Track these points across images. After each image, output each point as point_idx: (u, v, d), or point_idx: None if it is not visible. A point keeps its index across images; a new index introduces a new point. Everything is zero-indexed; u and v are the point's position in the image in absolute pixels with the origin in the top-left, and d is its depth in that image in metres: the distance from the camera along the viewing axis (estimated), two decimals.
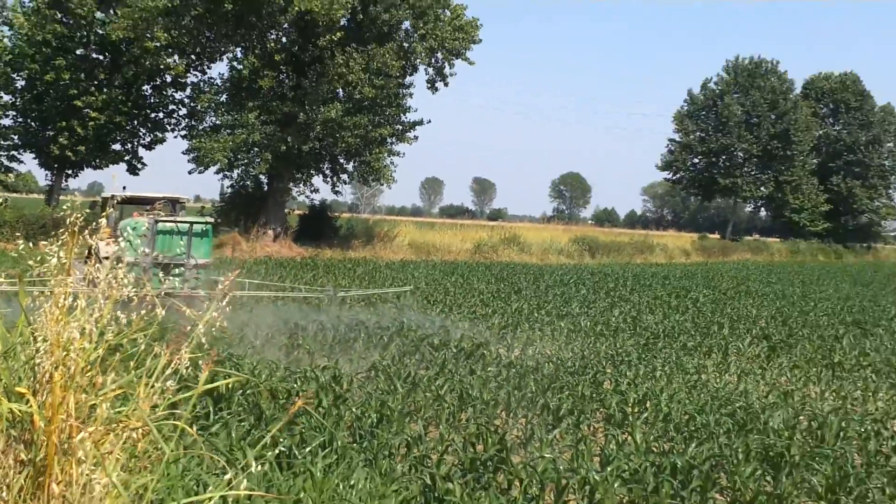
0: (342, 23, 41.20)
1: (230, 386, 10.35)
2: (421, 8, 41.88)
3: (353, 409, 9.72)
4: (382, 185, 51.07)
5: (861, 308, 28.55)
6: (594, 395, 11.73)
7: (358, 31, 42.19)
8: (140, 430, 4.85)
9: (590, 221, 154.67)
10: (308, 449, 7.96)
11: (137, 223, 19.28)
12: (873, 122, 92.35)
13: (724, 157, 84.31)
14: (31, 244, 5.59)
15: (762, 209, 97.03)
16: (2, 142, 44.42)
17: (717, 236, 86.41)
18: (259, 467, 7.45)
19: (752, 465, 8.53)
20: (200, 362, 5.59)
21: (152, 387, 5.24)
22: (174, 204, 21.98)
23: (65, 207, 5.44)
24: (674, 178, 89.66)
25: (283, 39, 43.03)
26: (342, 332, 16.30)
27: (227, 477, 5.25)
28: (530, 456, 8.63)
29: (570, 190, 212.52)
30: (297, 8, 38.38)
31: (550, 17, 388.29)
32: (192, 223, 20.13)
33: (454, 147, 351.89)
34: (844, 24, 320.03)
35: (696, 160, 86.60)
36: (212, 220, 21.87)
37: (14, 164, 45.39)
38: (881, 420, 11.08)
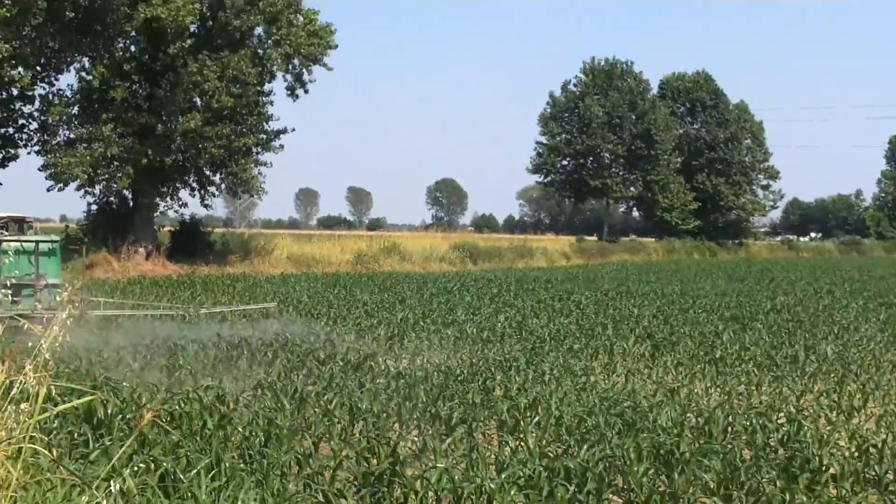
0: (192, 30, 40.40)
1: (110, 412, 9.94)
2: (272, 13, 41.33)
3: (240, 429, 9.38)
4: (254, 197, 50.40)
5: (738, 303, 29.39)
6: (485, 402, 11.65)
7: (209, 37, 41.34)
8: None
9: (469, 228, 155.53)
10: (193, 472, 7.61)
11: None
12: (729, 120, 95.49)
13: (591, 158, 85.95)
14: None
15: (634, 210, 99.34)
16: None
17: (595, 238, 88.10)
18: (139, 494, 7.14)
19: (644, 464, 8.56)
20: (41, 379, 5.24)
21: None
22: (20, 224, 21.03)
23: None
24: (545, 180, 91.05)
25: (132, 48, 41.96)
26: (224, 350, 15.89)
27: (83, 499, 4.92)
28: (425, 467, 8.47)
29: (447, 196, 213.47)
30: (143, 15, 37.37)
31: (408, 19, 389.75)
32: (37, 241, 19.66)
33: (327, 156, 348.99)
34: (695, 22, 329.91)
35: (564, 162, 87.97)
36: (58, 238, 21.62)
37: None
38: (765, 413, 11.30)
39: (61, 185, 40.66)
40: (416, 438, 9.92)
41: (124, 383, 11.90)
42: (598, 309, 26.26)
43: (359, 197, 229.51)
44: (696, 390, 13.34)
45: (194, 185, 45.28)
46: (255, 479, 7.81)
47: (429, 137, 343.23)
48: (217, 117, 41.06)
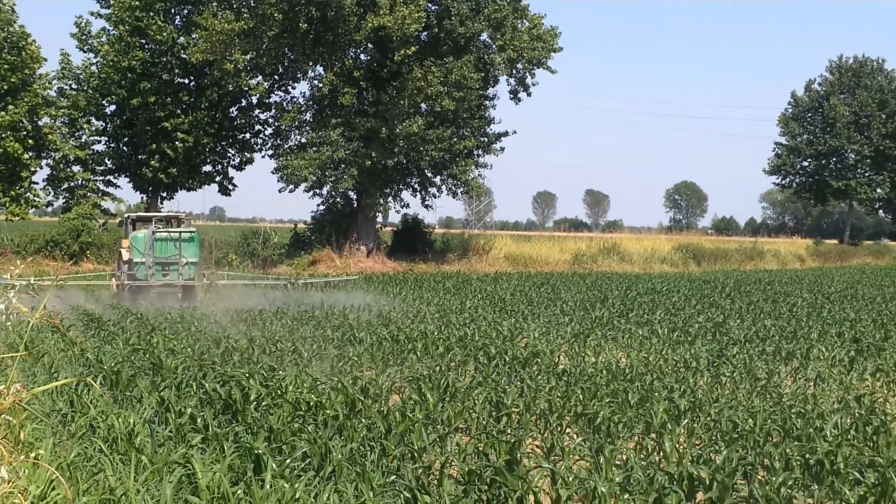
0: (418, 37, 41.18)
1: (248, 398, 10.09)
2: (497, 20, 41.59)
3: (363, 420, 9.27)
4: (486, 199, 50.93)
5: None
6: (641, 403, 11.01)
7: (434, 44, 42.21)
8: None
9: (710, 231, 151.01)
10: (288, 461, 7.57)
11: (136, 236, 26.26)
12: None
13: (834, 159, 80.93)
14: None
15: (880, 211, 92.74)
16: (97, 167, 45.72)
17: (836, 241, 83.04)
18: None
19: (787, 473, 7.75)
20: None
21: None
22: (172, 220, 28.32)
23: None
24: (783, 182, 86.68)
25: (361, 56, 43.35)
26: (401, 343, 15.95)
27: None
28: (550, 465, 8.03)
29: (685, 199, 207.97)
30: (370, 24, 38.54)
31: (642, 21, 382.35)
32: (180, 232, 26.36)
33: (566, 160, 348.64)
34: None
35: (804, 163, 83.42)
36: (195, 230, 27.66)
37: (111, 189, 46.74)
38: None
39: (292, 186, 42.59)
40: (551, 437, 9.46)
41: (281, 372, 12.14)
42: (812, 312, 24.52)
43: (596, 199, 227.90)
44: (886, 399, 12.05)
45: (416, 186, 46.20)
46: (356, 471, 7.63)
47: (668, 139, 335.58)
48: (439, 121, 41.78)
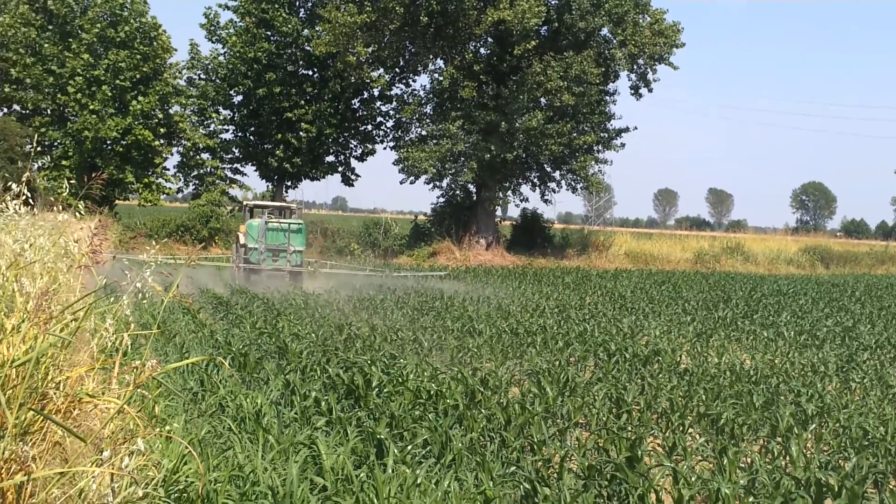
0: (538, 31, 40.97)
1: (370, 384, 10.23)
2: (618, 14, 41.10)
3: (482, 411, 9.30)
4: (606, 196, 50.53)
5: None
6: (767, 406, 10.73)
7: (554, 38, 41.98)
8: None
9: (838, 233, 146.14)
10: (409, 448, 7.65)
11: (251, 224, 28.72)
12: None
13: None
14: None
15: None
16: (224, 155, 47.09)
17: None
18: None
19: None
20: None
21: None
22: (284, 210, 31.09)
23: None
24: None
25: (481, 50, 43.37)
26: (518, 337, 15.94)
27: None
28: (671, 465, 7.91)
29: (813, 200, 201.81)
30: (490, 18, 38.55)
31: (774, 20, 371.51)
32: (289, 223, 28.87)
33: (688, 157, 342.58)
34: None
35: None
36: (302, 221, 30.15)
37: (238, 177, 48.14)
38: None
39: (412, 178, 43.03)
40: (672, 436, 9.30)
41: (402, 360, 12.27)
42: None
43: (719, 198, 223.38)
44: None
45: (535, 180, 46.07)
46: (476, 460, 7.66)
47: (796, 139, 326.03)
48: (559, 115, 41.56)
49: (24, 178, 6.16)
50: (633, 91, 45.03)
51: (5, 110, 45.40)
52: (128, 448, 4.87)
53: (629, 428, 9.57)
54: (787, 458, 8.52)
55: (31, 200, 6.41)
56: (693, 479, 7.42)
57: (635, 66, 43.85)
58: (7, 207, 6.06)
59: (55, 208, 6.59)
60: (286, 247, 28.30)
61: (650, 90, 44.76)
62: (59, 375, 5.36)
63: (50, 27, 44.44)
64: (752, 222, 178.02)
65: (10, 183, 6.13)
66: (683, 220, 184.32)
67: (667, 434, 9.53)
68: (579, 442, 8.65)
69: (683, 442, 8.69)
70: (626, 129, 45.79)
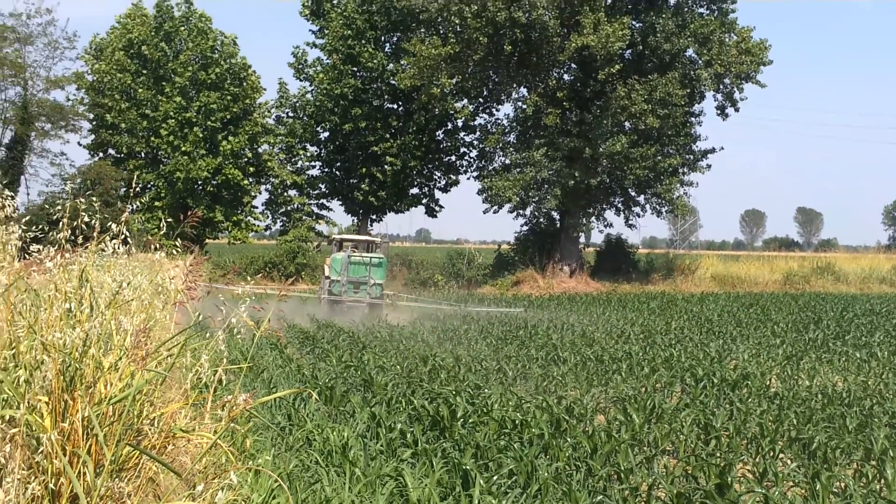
0: (622, 55, 40.83)
1: (455, 415, 10.29)
2: (704, 34, 40.71)
3: (569, 439, 9.28)
4: (692, 218, 49.90)
5: None
6: (859, 429, 10.50)
7: (638, 62, 41.78)
8: None
9: None
10: (495, 478, 7.69)
11: (335, 257, 30.60)
12: None
13: None
14: None
15: None
16: (311, 191, 47.90)
17: None
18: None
19: None
20: None
21: None
22: (371, 244, 33.31)
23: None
24: None
25: (565, 76, 43.34)
26: (603, 364, 15.85)
27: None
28: (763, 491, 7.80)
29: None
30: (574, 44, 38.57)
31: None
32: (371, 257, 30.55)
33: (775, 177, 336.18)
34: None
35: None
36: (383, 256, 31.86)
37: (324, 212, 48.90)
38: None
39: (496, 207, 43.10)
40: (763, 461, 9.16)
41: (486, 390, 12.32)
42: None
43: (808, 217, 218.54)
44: None
45: (619, 205, 45.73)
46: (562, 489, 7.66)
47: (886, 154, 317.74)
48: (643, 139, 41.24)
49: (122, 219, 6.43)
50: (719, 111, 44.40)
51: (101, 154, 46.99)
52: (220, 483, 5.03)
53: (718, 454, 9.46)
54: (883, 481, 8.34)
55: (128, 239, 6.67)
56: None
57: (721, 86, 43.24)
58: (106, 247, 6.32)
59: (152, 246, 6.83)
60: (367, 279, 29.89)
61: (737, 109, 44.07)
62: (153, 412, 5.56)
63: (144, 72, 45.99)
64: (843, 241, 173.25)
65: (109, 223, 6.40)
66: (771, 241, 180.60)
67: (757, 460, 9.40)
68: (667, 469, 8.59)
69: (774, 467, 8.55)
70: (713, 150, 45.13)
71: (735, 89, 43.48)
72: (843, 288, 46.31)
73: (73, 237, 6.47)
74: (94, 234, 6.37)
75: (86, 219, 6.21)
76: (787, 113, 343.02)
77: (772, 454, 9.64)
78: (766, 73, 40.61)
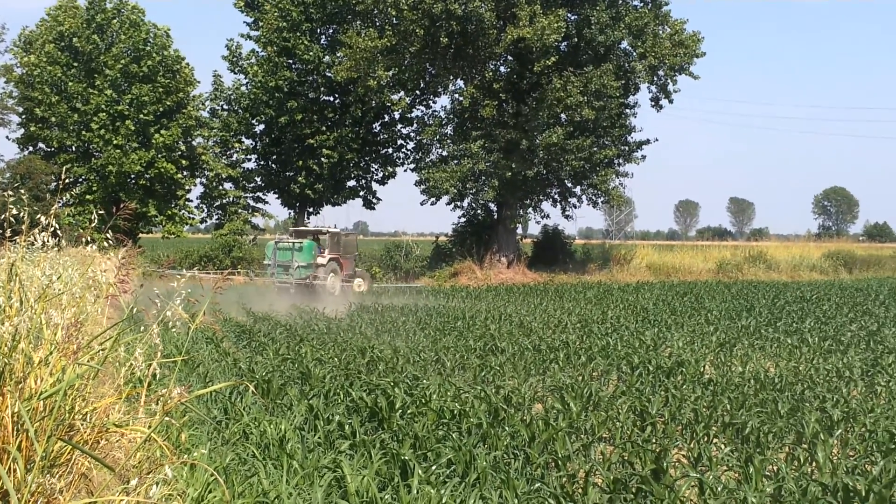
0: (557, 47, 41.08)
1: (393, 406, 10.27)
2: (638, 27, 41.21)
3: (507, 428, 9.33)
4: (627, 209, 50.34)
5: None
6: (792, 413, 10.72)
7: (574, 54, 42.11)
8: None
9: (861, 238, 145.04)
10: (433, 468, 7.70)
11: (269, 244, 34.69)
12: None
13: None
14: None
15: None
16: (247, 184, 47.45)
17: None
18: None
19: None
20: None
21: None
22: (317, 234, 34.46)
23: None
24: None
25: (501, 68, 43.42)
26: (541, 354, 15.95)
27: None
28: (697, 475, 7.92)
29: (835, 205, 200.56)
30: (510, 37, 38.71)
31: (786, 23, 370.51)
32: (293, 242, 33.38)
33: (708, 167, 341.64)
34: None
35: None
36: (305, 241, 33.32)
37: (260, 205, 48.48)
38: None
39: (434, 199, 43.10)
40: (697, 446, 9.30)
41: (425, 381, 12.32)
42: None
43: (740, 207, 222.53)
44: None
45: (556, 196, 46.02)
46: (500, 478, 7.70)
47: (816, 144, 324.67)
48: (579, 130, 41.55)
49: (51, 212, 6.29)
50: (653, 103, 44.94)
51: (31, 149, 46.04)
52: (154, 477, 4.95)
53: (654, 440, 9.58)
54: (814, 464, 8.53)
55: (58, 233, 6.54)
56: (719, 489, 7.42)
57: (655, 78, 43.76)
58: (36, 240, 6.18)
59: (83, 240, 6.70)
60: (291, 262, 32.81)
61: (671, 101, 44.59)
62: (86, 407, 5.46)
63: (75, 65, 45.07)
64: (775, 230, 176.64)
65: (38, 216, 6.27)
66: (705, 231, 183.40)
67: (692, 445, 9.54)
68: (604, 456, 8.66)
69: (709, 452, 8.70)
70: (647, 142, 45.57)
71: (669, 81, 44.03)
72: (775, 276, 47.25)
73: (1, 231, 6.33)
74: (24, 228, 6.25)
75: (14, 212, 6.08)
76: (719, 105, 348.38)
77: (706, 439, 9.79)
78: (699, 64, 41.24)
